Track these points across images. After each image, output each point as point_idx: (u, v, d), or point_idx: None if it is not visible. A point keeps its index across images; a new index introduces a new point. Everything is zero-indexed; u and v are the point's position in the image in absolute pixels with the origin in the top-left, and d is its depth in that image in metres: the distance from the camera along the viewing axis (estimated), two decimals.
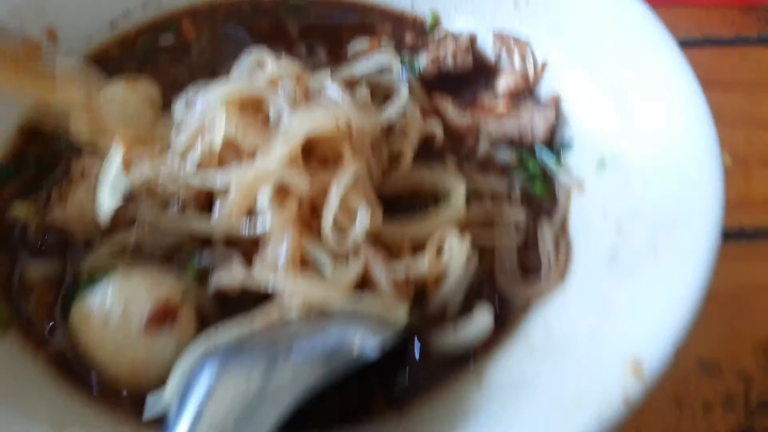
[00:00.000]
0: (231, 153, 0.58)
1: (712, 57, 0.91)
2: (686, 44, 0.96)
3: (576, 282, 0.57)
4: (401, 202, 0.63)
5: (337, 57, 0.77)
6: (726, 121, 0.86)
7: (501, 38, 0.75)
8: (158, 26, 0.79)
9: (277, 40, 0.77)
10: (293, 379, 0.45)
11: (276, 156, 0.54)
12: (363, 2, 0.82)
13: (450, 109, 0.72)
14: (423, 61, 0.75)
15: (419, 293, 0.58)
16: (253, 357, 0.46)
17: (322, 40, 0.78)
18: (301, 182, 0.55)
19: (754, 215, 0.77)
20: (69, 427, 0.48)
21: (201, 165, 0.58)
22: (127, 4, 0.78)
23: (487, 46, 0.77)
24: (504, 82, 0.73)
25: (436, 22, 0.80)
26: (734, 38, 0.93)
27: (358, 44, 0.77)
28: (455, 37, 0.77)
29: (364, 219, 0.55)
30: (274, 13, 0.81)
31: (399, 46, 0.78)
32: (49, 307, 0.56)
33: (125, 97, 0.67)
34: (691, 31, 0.93)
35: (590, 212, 0.62)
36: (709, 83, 0.91)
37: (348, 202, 0.56)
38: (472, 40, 0.76)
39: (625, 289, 0.51)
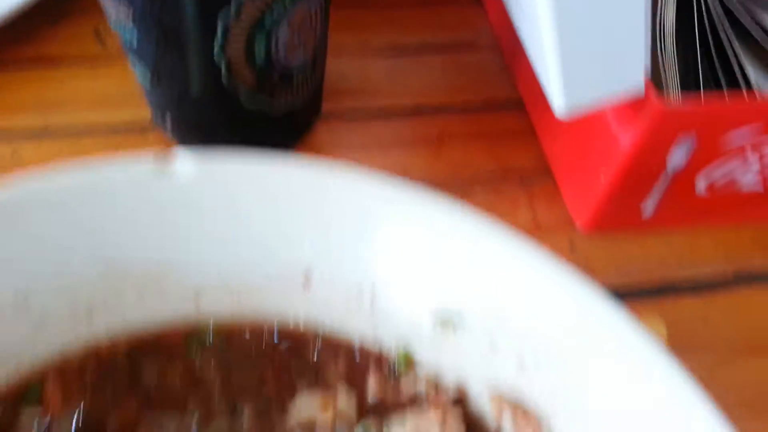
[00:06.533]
0: None
1: None
2: None
3: None
4: None
5: (269, 421, 0.53)
6: None
7: (501, 403, 0.54)
8: None
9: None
10: None
11: None
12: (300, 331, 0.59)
13: None
14: None
15: None
16: None
17: (248, 396, 0.55)
18: None
19: None
20: None
21: None
22: None
23: (482, 403, 0.56)
24: None
25: (408, 362, 0.58)
26: None
27: (304, 404, 0.54)
28: (437, 390, 0.56)
29: None
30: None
31: (360, 404, 0.55)
32: None
33: None
34: None
35: None
36: None
37: None
38: (462, 397, 0.55)
39: None
